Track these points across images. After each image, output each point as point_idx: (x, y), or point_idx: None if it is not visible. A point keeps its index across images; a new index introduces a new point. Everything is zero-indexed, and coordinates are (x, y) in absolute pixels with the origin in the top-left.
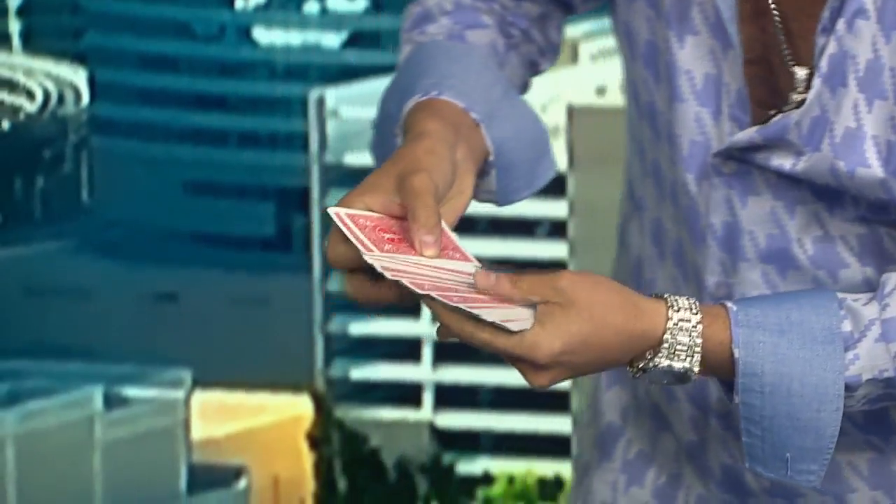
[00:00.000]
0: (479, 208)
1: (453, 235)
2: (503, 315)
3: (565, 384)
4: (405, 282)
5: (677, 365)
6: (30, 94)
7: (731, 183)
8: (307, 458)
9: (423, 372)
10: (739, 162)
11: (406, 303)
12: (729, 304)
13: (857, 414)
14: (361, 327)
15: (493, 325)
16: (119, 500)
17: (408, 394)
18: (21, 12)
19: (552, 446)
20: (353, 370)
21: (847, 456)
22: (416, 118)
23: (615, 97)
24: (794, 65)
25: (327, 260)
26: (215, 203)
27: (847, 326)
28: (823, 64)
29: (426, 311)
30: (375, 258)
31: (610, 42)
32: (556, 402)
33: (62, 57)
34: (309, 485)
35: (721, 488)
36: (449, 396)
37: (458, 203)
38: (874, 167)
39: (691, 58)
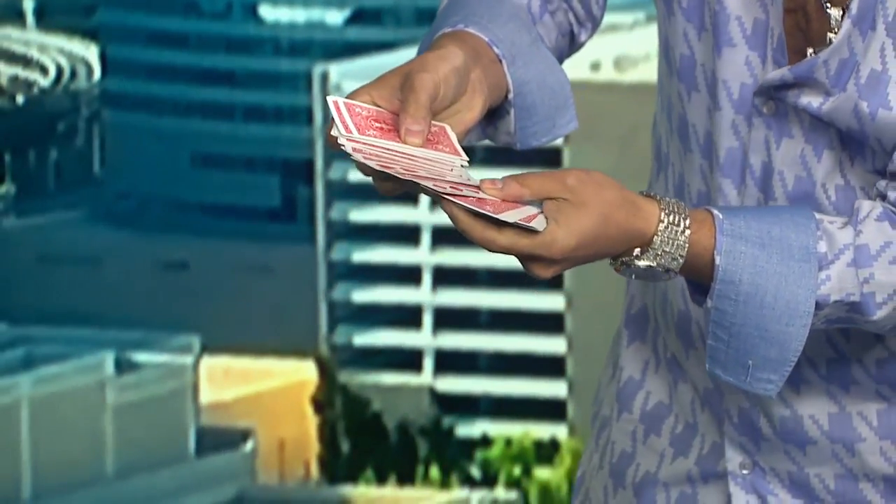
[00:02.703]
0: None
1: (454, 137)
2: (511, 212)
3: (561, 350)
4: (371, 163)
5: (661, 264)
6: (43, 70)
7: (770, 123)
8: (312, 422)
9: (423, 338)
10: (777, 102)
11: (395, 190)
12: (715, 212)
13: (870, 363)
14: (364, 295)
15: (515, 226)
16: (130, 462)
17: (409, 359)
18: None
19: (548, 410)
20: (355, 336)
21: (857, 406)
22: (438, 42)
23: (608, 73)
24: (829, 7)
25: (327, 142)
26: (223, 175)
27: (822, 247)
28: (854, 6)
29: (427, 277)
30: (351, 139)
31: (604, 19)
32: (552, 368)
33: (74, 33)
34: (313, 447)
35: (737, 431)
36: (448, 362)
37: (466, 117)
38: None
39: (741, 4)
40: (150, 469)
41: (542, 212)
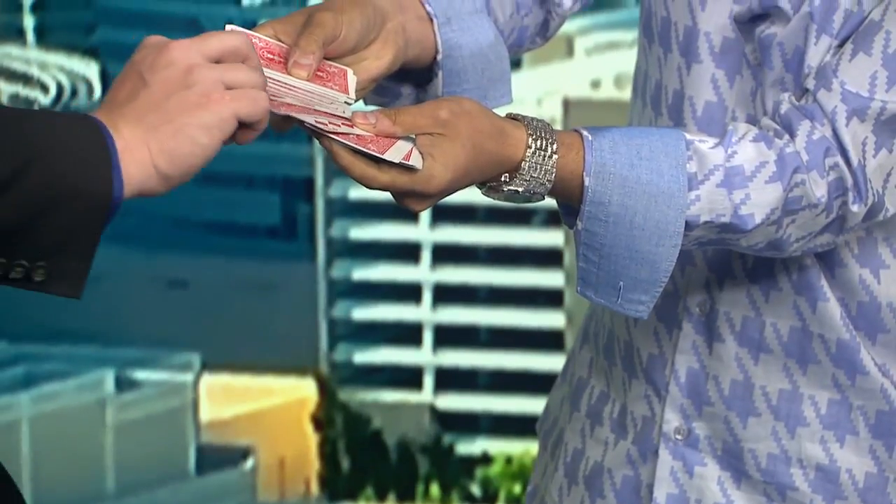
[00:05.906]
0: (478, 198)
1: (352, 81)
2: (391, 150)
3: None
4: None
5: (529, 189)
6: (44, 87)
7: (756, 74)
8: (312, 439)
9: (423, 356)
10: (760, 50)
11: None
12: (584, 133)
13: (831, 340)
14: (364, 312)
15: (394, 164)
16: (130, 480)
17: (409, 377)
18: (35, 8)
19: None
20: (356, 354)
21: (811, 389)
22: None
23: (609, 90)
24: None
25: None
26: (223, 192)
27: (692, 167)
28: None
29: (427, 295)
30: None
31: (604, 37)
32: (552, 386)
33: (75, 51)
34: (314, 464)
35: (682, 392)
36: (449, 379)
37: (372, 65)
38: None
39: None
40: (151, 487)
41: (415, 145)
